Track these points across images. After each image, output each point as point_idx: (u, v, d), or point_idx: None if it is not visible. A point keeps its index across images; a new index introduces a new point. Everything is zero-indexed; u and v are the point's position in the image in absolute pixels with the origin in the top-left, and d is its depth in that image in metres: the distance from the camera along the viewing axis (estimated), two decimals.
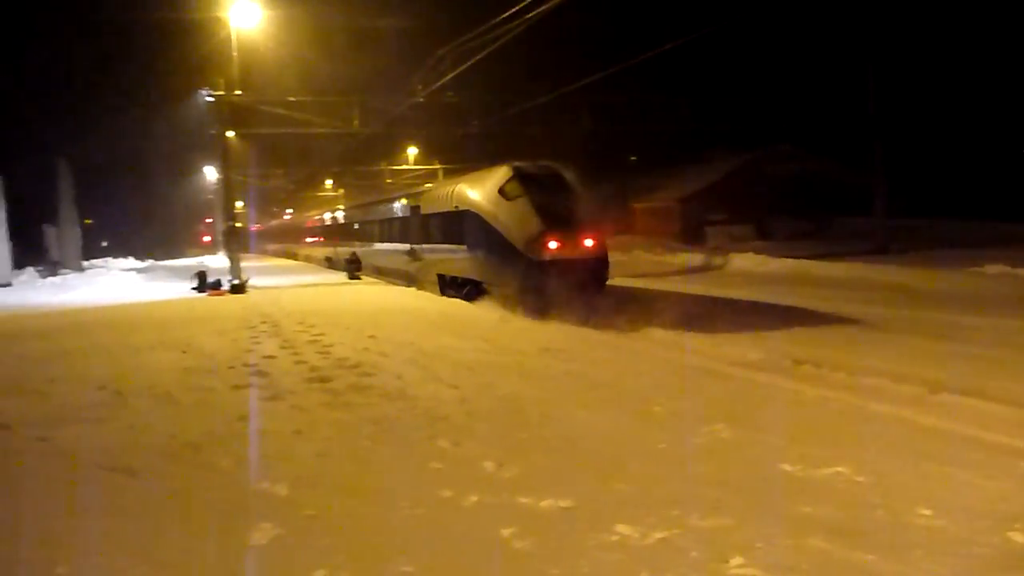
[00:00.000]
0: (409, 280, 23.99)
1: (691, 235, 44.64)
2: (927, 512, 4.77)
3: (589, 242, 15.90)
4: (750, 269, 27.31)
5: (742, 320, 14.31)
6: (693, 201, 48.88)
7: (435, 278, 21.15)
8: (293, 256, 55.04)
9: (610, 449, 6.26)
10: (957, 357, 10.34)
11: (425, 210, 22.10)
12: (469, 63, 22.14)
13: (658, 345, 11.57)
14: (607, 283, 16.45)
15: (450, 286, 20.14)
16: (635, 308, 16.14)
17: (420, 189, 25.49)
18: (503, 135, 36.66)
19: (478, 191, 17.90)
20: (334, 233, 39.47)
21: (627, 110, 31.88)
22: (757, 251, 30.87)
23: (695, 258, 32.83)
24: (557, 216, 15.88)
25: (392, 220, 26.63)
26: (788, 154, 48.23)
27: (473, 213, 17.70)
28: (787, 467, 5.67)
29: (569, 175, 17.30)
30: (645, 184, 55.85)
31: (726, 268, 28.84)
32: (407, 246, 23.93)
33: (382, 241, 28.06)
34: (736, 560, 4.16)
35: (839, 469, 5.54)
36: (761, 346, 10.98)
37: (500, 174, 17.35)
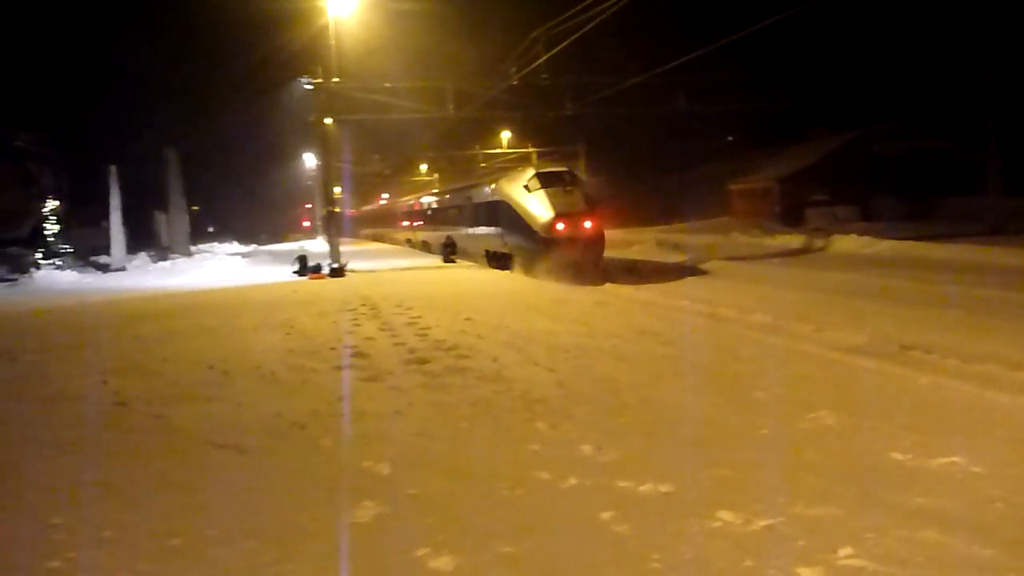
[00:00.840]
0: (464, 255, 28.61)
1: (791, 217, 43.47)
2: None
3: (588, 224, 20.33)
4: (853, 251, 26.43)
5: (843, 304, 13.88)
6: (793, 181, 47.54)
7: (483, 252, 26.13)
8: (381, 240, 56.72)
9: (710, 434, 6.15)
10: None
11: (475, 200, 27.48)
12: (563, 45, 22.01)
13: (757, 330, 11.30)
14: (603, 256, 20.91)
15: (492, 259, 24.88)
16: (732, 292, 15.89)
17: (472, 183, 31.59)
18: (597, 117, 36.35)
19: (509, 186, 22.76)
20: (412, 218, 44.42)
21: (725, 89, 31.13)
22: (861, 233, 29.82)
23: (795, 240, 31.96)
24: (564, 206, 20.50)
25: (454, 207, 31.88)
26: (895, 132, 46.38)
27: (505, 202, 22.68)
28: (897, 456, 5.47)
29: (577, 175, 22.65)
30: (743, 165, 54.67)
31: (828, 250, 27.99)
32: (466, 227, 28.94)
33: (446, 225, 32.72)
34: (845, 551, 4.03)
35: (954, 459, 5.31)
36: (865, 330, 10.60)
37: (526, 173, 22.39)
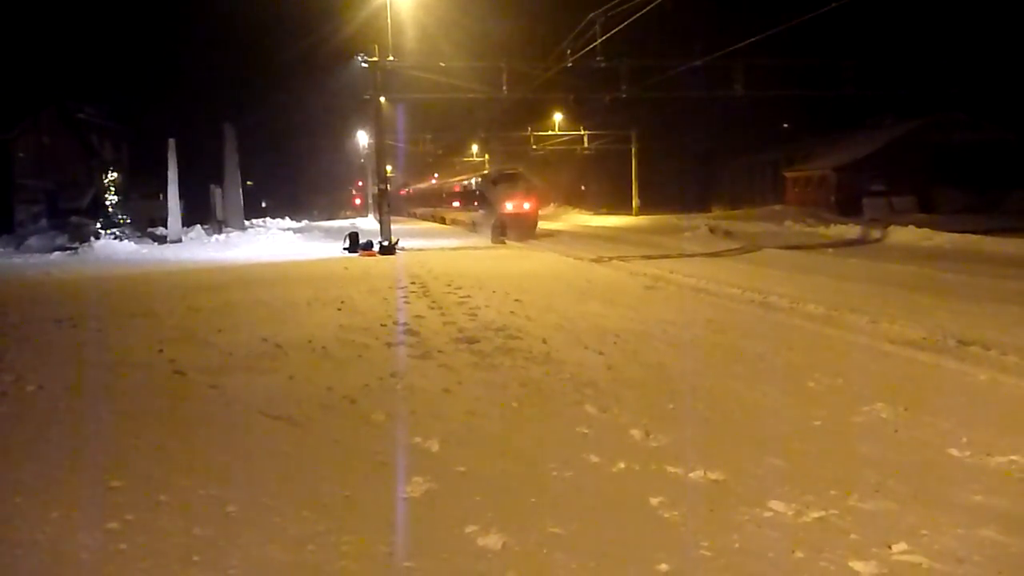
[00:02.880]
0: (461, 224, 42.50)
1: (847, 206, 42.68)
2: None
3: (526, 206, 34.32)
4: (911, 243, 25.90)
5: (899, 296, 13.63)
6: (850, 171, 46.64)
7: (471, 221, 39.16)
8: (412, 218, 62.10)
9: (762, 423, 6.09)
10: None
11: (469, 188, 42.74)
12: (619, 27, 21.80)
13: (811, 320, 11.15)
14: (537, 227, 34.79)
15: (473, 225, 37.61)
16: (785, 281, 15.71)
17: (468, 176, 48.66)
18: (652, 101, 35.98)
19: (484, 180, 37.85)
20: (436, 200, 57.88)
21: (784, 75, 30.58)
22: (919, 224, 29.17)
23: (850, 230, 31.43)
24: (513, 194, 34.19)
25: (460, 192, 47.09)
26: (959, 122, 45.16)
27: (482, 191, 37.52)
28: (954, 452, 5.36)
29: (524, 173, 37.22)
30: (798, 152, 53.77)
31: (884, 242, 27.48)
32: (465, 206, 43.93)
33: (455, 203, 48.82)
34: (900, 546, 3.97)
35: (1013, 458, 5.19)
36: (921, 324, 10.39)
37: (492, 173, 38.31)
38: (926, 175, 43.82)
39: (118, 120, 56.39)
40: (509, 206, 33.62)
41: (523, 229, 32.23)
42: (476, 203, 39.16)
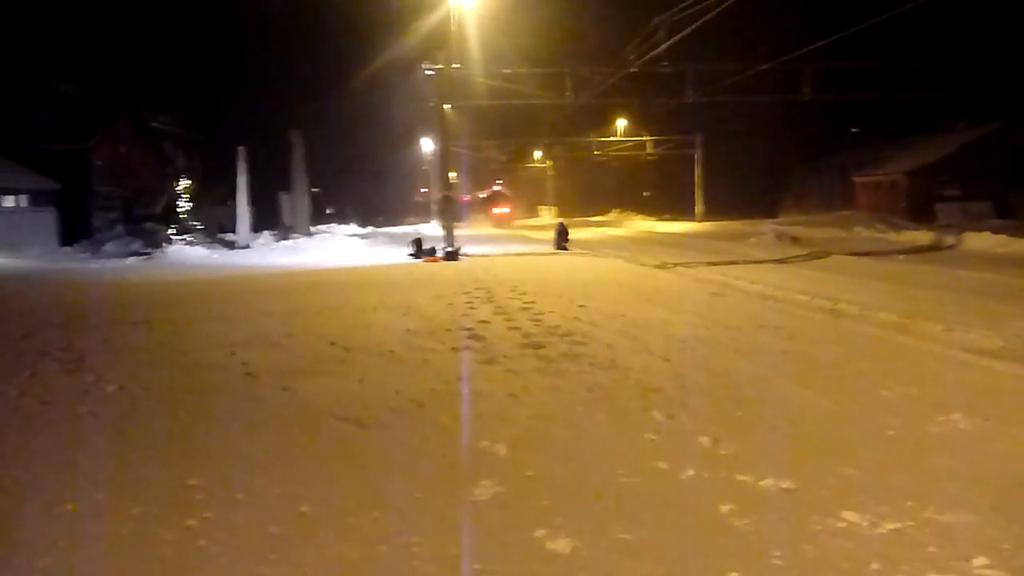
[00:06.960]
0: (476, 223, 63.49)
1: (919, 212, 41.60)
2: None
3: (506, 209, 70.87)
4: (987, 250, 25.11)
5: (974, 304, 13.24)
6: (922, 175, 45.44)
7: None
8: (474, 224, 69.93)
9: (834, 432, 5.98)
10: None
11: (482, 197, 76.11)
12: (686, 31, 21.64)
13: (882, 328, 10.90)
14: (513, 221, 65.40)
15: (485, 221, 63.81)
16: (855, 288, 15.41)
17: (483, 191, 77.72)
18: (717, 106, 35.60)
19: (484, 194, 76.37)
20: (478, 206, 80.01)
21: (853, 78, 29.99)
22: (995, 230, 28.26)
23: (922, 236, 30.63)
24: (500, 202, 72.89)
25: (480, 201, 74.41)
26: None
27: (482, 200, 74.63)
28: None
29: (505, 191, 76.68)
30: (869, 156, 52.64)
31: (958, 248, 26.70)
32: (482, 211, 70.70)
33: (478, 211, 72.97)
34: (980, 560, 3.86)
35: None
36: (998, 333, 10.08)
37: (487, 191, 76.47)
38: (1003, 179, 42.49)
39: (191, 128, 58.00)
40: (495, 211, 68.88)
41: (503, 221, 64.57)
42: (478, 207, 71.41)
